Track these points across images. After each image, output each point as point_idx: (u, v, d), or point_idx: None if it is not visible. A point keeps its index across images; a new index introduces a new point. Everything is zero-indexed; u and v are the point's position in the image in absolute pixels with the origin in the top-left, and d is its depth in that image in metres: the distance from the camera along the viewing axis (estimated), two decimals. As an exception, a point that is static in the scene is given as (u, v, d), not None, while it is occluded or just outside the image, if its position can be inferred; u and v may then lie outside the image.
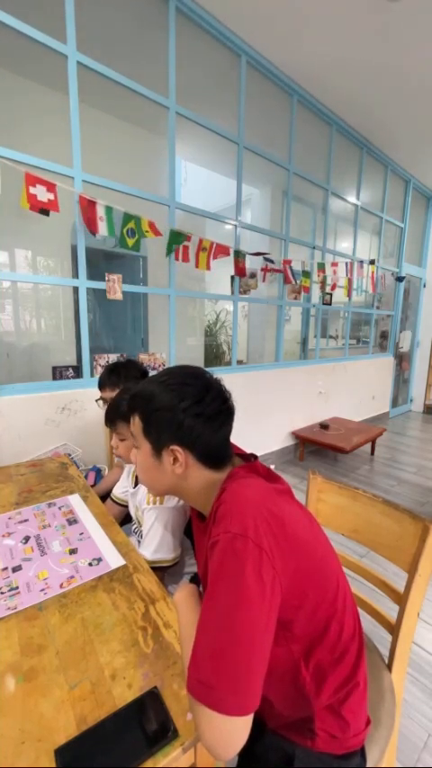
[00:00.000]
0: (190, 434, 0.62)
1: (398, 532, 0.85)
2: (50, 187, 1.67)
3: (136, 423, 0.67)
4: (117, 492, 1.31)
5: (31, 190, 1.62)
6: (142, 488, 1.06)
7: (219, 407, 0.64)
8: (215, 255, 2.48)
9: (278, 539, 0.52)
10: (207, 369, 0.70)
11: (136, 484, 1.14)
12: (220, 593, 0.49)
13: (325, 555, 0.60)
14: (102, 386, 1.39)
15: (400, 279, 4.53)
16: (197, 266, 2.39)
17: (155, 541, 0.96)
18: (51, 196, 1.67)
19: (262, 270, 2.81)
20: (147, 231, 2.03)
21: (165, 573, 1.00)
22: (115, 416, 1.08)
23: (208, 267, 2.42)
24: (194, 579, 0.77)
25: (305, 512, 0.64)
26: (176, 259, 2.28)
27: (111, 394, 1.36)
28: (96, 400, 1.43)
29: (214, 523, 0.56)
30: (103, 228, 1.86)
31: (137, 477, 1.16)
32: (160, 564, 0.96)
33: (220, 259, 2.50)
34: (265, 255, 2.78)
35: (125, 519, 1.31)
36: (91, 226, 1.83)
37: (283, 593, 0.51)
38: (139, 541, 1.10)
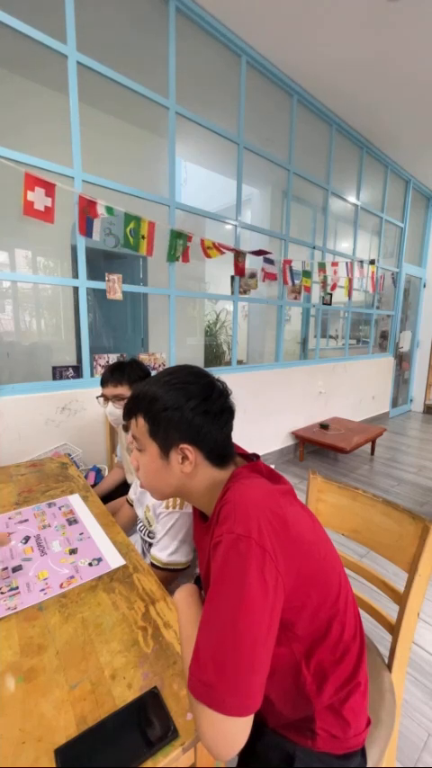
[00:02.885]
0: (199, 432, 0.62)
1: (398, 532, 0.85)
2: (49, 189, 1.66)
3: (140, 425, 0.66)
4: (132, 495, 1.30)
5: (29, 196, 1.62)
6: None
7: (223, 405, 0.65)
8: (221, 251, 2.50)
9: (281, 540, 0.52)
10: (207, 369, 0.70)
11: None
12: (223, 593, 0.49)
13: (327, 555, 0.60)
14: (104, 382, 1.37)
15: (395, 281, 4.51)
16: (208, 257, 2.41)
17: (172, 544, 0.95)
18: (49, 202, 1.67)
19: (262, 271, 2.81)
20: (143, 237, 2.03)
21: (179, 575, 1.00)
22: None
23: (220, 252, 2.45)
24: (198, 580, 0.77)
25: (307, 512, 0.63)
26: (176, 259, 2.28)
27: (113, 390, 1.35)
28: (97, 397, 1.42)
29: (217, 523, 0.56)
30: (102, 229, 1.85)
31: None
32: (174, 567, 0.96)
33: (222, 257, 2.50)
34: (266, 255, 2.78)
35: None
36: (90, 227, 1.83)
37: (285, 594, 0.51)
38: (143, 540, 1.10)
